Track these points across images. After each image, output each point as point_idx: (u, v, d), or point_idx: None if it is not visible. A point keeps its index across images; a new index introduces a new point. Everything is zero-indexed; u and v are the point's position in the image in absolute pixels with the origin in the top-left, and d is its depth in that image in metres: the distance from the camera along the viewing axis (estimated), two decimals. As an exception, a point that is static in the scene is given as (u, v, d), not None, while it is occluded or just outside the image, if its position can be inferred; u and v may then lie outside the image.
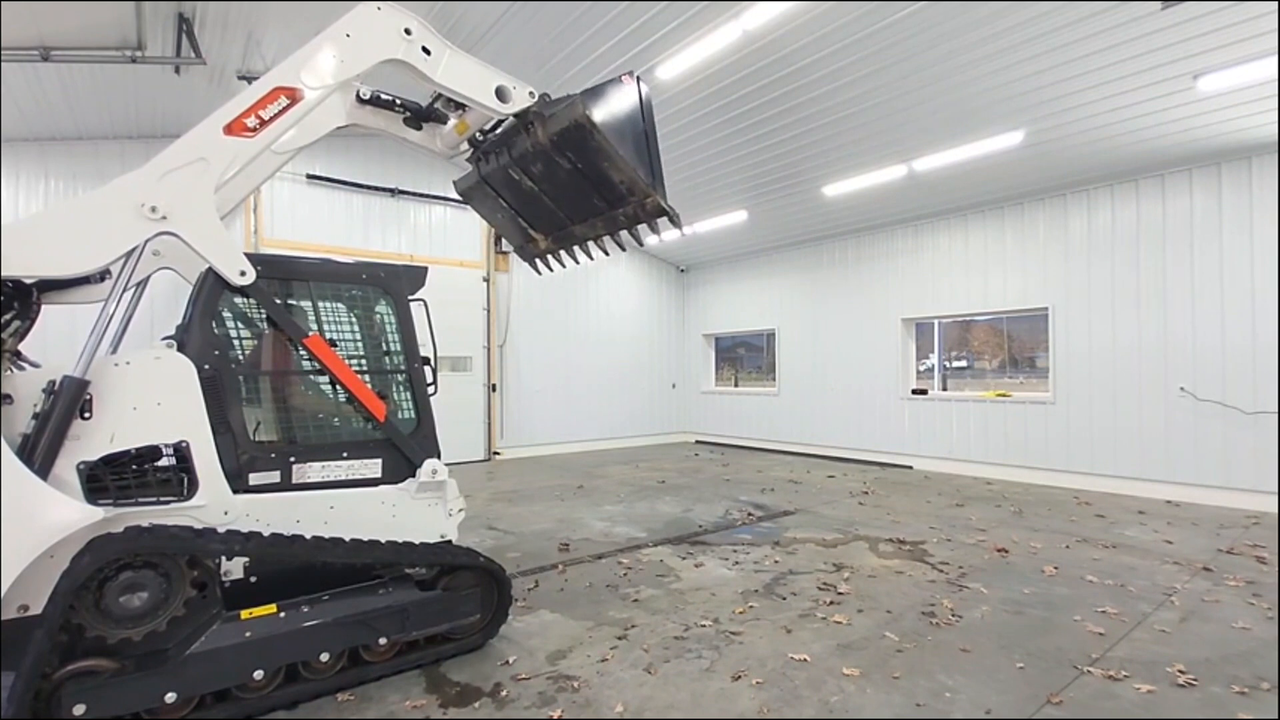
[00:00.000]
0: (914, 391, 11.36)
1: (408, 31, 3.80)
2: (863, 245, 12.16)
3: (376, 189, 11.09)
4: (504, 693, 3.51)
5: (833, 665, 3.78)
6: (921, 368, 11.78)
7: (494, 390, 12.51)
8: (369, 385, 3.94)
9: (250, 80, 7.89)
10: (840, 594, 4.98)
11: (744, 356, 16.62)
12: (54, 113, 7.96)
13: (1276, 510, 7.46)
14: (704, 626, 4.37)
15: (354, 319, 3.98)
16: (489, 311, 12.50)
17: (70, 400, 3.00)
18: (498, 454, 12.53)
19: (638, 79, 4.27)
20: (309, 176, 10.43)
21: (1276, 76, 6.17)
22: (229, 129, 3.40)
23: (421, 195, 11.61)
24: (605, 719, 3.25)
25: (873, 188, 9.97)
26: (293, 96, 3.55)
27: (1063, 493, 8.80)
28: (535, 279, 13.19)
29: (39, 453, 2.92)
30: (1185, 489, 8.21)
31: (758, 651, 3.98)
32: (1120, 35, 6.10)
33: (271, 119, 3.49)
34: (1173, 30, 5.93)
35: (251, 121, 3.45)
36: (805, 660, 3.84)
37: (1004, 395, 10.26)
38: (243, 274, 3.39)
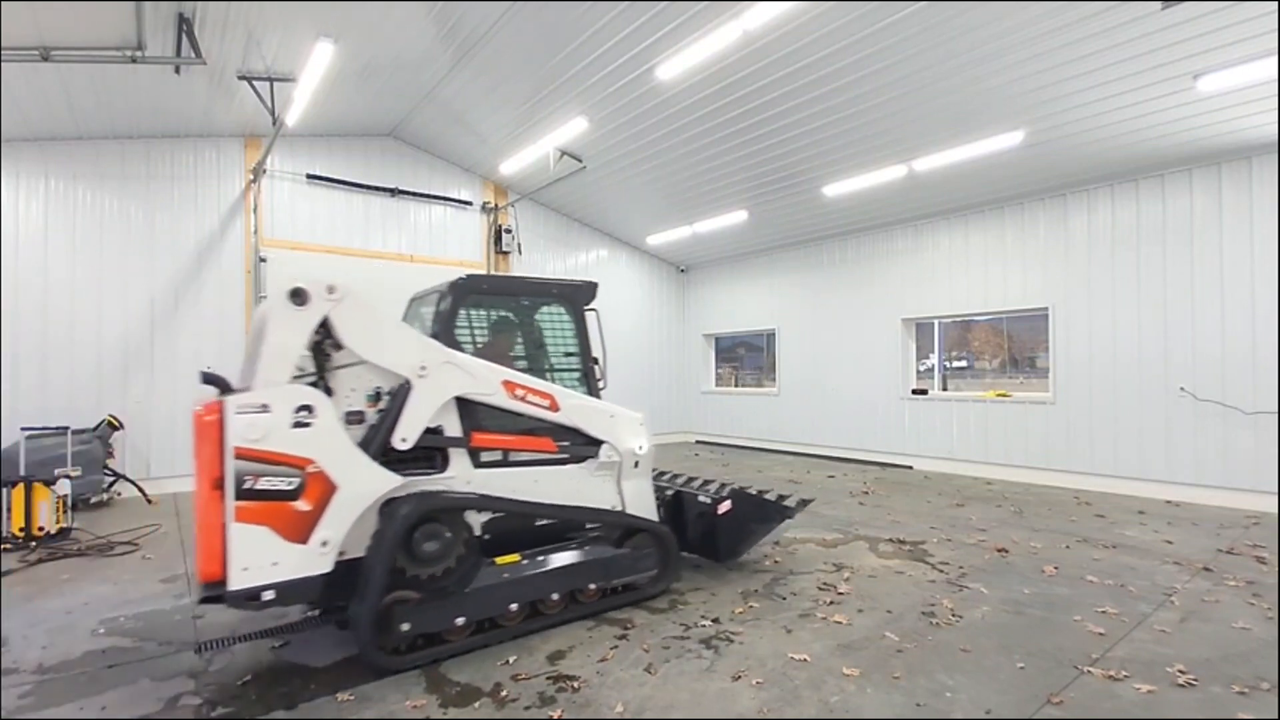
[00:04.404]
0: (914, 391, 11.37)
1: None
2: (863, 245, 12.16)
3: (376, 189, 11.08)
4: (504, 692, 3.51)
5: (833, 665, 3.78)
6: (922, 368, 11.78)
7: (494, 390, 12.49)
8: (561, 385, 4.74)
9: (250, 80, 7.99)
10: (840, 594, 4.98)
11: (744, 356, 16.56)
12: (54, 113, 7.96)
13: (1276, 510, 7.46)
14: (704, 626, 4.37)
15: (547, 327, 4.94)
16: (489, 311, 12.47)
17: (404, 398, 3.88)
18: (498, 454, 12.53)
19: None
20: (309, 176, 10.42)
21: (1276, 76, 6.17)
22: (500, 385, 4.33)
23: (421, 195, 11.59)
24: (605, 719, 3.25)
25: (873, 188, 9.96)
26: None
27: (1063, 493, 8.80)
28: (535, 279, 13.21)
29: (379, 437, 3.79)
30: (1185, 489, 8.21)
31: (758, 651, 3.98)
32: (1120, 35, 6.10)
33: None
34: (1173, 30, 5.93)
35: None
36: (805, 660, 3.84)
37: (1004, 395, 10.26)
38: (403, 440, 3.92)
